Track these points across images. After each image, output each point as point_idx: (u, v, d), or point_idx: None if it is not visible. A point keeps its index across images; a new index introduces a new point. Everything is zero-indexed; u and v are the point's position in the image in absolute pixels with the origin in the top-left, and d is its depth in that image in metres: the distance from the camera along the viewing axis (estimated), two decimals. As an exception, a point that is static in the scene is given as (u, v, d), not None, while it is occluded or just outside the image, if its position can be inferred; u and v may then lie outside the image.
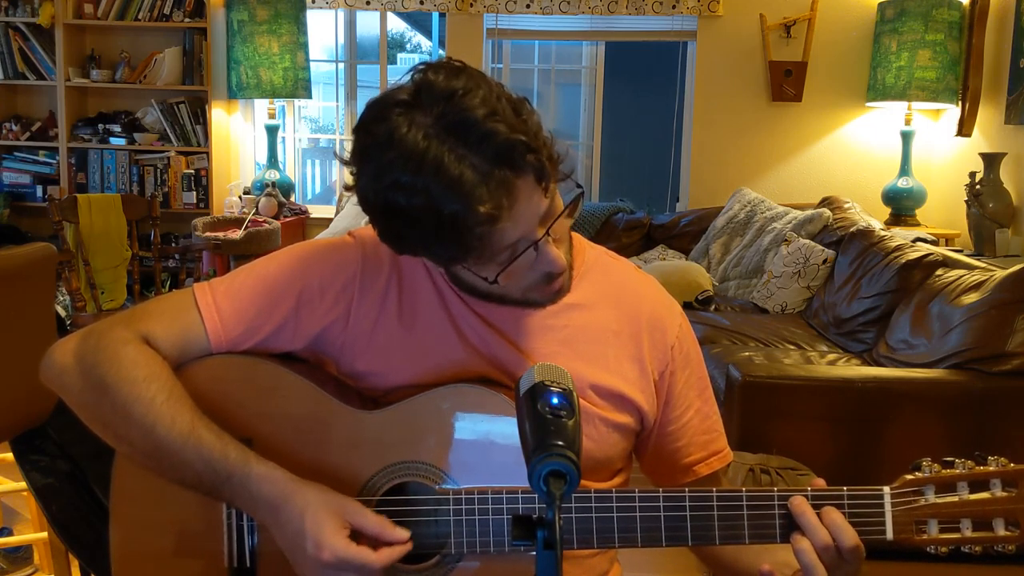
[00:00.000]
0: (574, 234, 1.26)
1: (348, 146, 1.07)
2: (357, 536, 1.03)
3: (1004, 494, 1.03)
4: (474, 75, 1.02)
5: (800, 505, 1.04)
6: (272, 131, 5.34)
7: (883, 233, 4.01)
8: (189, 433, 1.06)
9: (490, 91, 1.01)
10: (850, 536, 1.02)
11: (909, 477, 1.05)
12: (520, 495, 1.07)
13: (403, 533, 1.04)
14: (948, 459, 1.05)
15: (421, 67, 1.03)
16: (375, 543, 1.04)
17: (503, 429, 1.10)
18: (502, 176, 0.98)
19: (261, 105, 5.45)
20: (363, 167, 1.03)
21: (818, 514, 1.04)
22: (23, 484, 1.63)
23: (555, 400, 0.89)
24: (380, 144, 1.00)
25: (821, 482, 1.08)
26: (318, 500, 1.03)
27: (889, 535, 1.05)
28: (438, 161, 0.97)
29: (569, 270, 1.15)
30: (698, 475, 1.27)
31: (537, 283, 1.11)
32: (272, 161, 5.35)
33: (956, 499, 1.04)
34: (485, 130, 0.98)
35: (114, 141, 5.20)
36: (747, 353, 3.43)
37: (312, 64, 5.35)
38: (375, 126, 1.02)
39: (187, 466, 1.06)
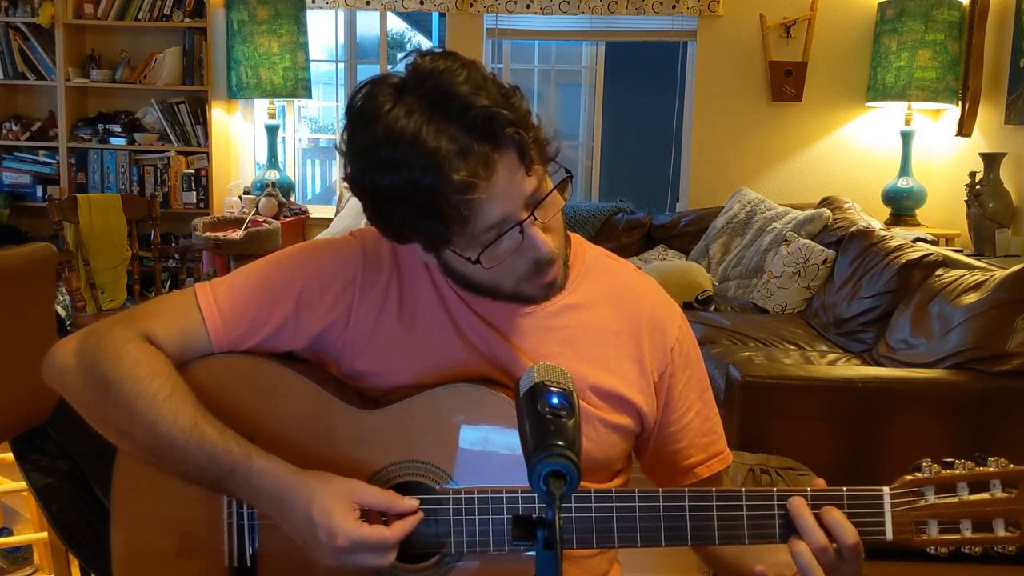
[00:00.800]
0: (575, 236, 1.26)
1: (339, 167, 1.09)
2: (367, 515, 1.04)
3: (1004, 495, 1.03)
4: (463, 59, 1.04)
5: (799, 507, 1.04)
6: (272, 131, 5.34)
7: (883, 233, 4.01)
8: (191, 428, 1.06)
9: (477, 72, 1.03)
10: (851, 534, 1.02)
11: (909, 478, 1.05)
12: (520, 495, 1.07)
13: (412, 503, 1.05)
14: (948, 460, 1.05)
15: (412, 54, 1.05)
16: (386, 519, 1.05)
17: (503, 429, 1.10)
18: (481, 150, 0.99)
19: (261, 105, 5.45)
20: (350, 146, 1.05)
21: (817, 515, 1.03)
22: (23, 484, 1.63)
23: (555, 400, 0.89)
24: (365, 123, 1.02)
25: (821, 482, 1.08)
26: (323, 488, 1.04)
27: (889, 535, 1.05)
28: (416, 135, 0.99)
29: (564, 266, 1.15)
30: (699, 477, 1.26)
31: (528, 273, 1.10)
32: (272, 161, 5.36)
33: (956, 500, 1.04)
34: (465, 102, 0.99)
35: (114, 141, 5.20)
36: (747, 353, 3.43)
37: (312, 64, 5.35)
38: (363, 106, 1.04)
39: (189, 461, 1.06)
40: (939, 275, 3.33)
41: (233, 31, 5.12)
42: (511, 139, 1.01)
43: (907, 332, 3.25)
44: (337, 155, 1.31)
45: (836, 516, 1.03)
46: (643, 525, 1.06)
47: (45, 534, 2.52)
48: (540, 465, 0.83)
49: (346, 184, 1.10)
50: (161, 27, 5.18)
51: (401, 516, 1.05)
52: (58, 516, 1.46)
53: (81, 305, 3.94)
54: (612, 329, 1.21)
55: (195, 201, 5.24)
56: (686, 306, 4.32)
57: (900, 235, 4.08)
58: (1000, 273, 2.98)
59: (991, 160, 4.26)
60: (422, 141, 0.99)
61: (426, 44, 11.70)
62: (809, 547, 1.02)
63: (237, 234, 4.50)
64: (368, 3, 5.31)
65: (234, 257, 4.50)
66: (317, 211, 5.55)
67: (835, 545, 1.02)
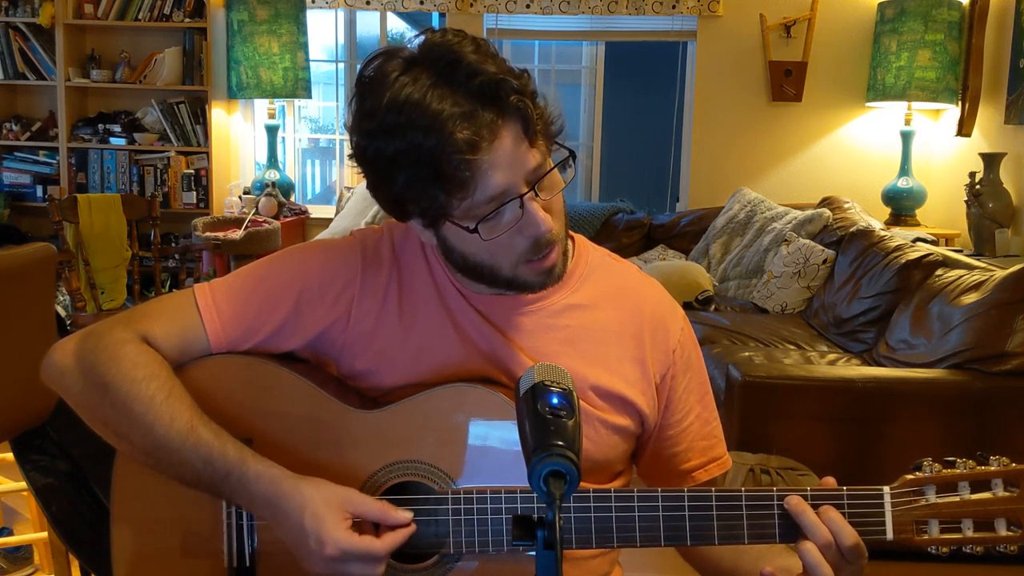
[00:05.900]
0: (579, 236, 1.26)
1: (347, 147, 1.09)
2: (360, 525, 1.04)
3: (1006, 494, 1.02)
4: (474, 36, 1.05)
5: (798, 504, 1.04)
6: (272, 131, 5.34)
7: (883, 233, 4.01)
8: (188, 432, 1.06)
9: (487, 47, 1.04)
10: (849, 534, 1.02)
11: (910, 477, 1.05)
12: (520, 495, 1.07)
13: (405, 515, 1.04)
14: (949, 459, 1.04)
15: (424, 32, 1.06)
16: (378, 529, 1.04)
17: (503, 429, 1.10)
18: (485, 115, 1.00)
19: (261, 105, 5.45)
20: (357, 113, 1.06)
21: (816, 513, 1.03)
22: (23, 484, 1.63)
23: (555, 400, 0.88)
24: (373, 91, 1.03)
25: (831, 480, 1.07)
26: (317, 495, 1.03)
27: (889, 535, 1.04)
28: (420, 99, 1.00)
29: (564, 256, 1.14)
30: (696, 481, 1.26)
31: (527, 253, 1.09)
32: (272, 161, 5.35)
33: (957, 499, 1.03)
34: (472, 70, 1.00)
35: (114, 141, 5.20)
36: (747, 353, 3.42)
37: (312, 64, 5.35)
38: (372, 76, 1.05)
39: (185, 464, 1.06)
40: (939, 275, 3.33)
41: (233, 31, 5.12)
42: (516, 108, 1.01)
43: (907, 332, 3.25)
44: (336, 161, 1.31)
45: (833, 516, 1.03)
46: (642, 525, 1.06)
47: (45, 534, 2.52)
48: (540, 465, 0.83)
49: (351, 161, 1.10)
50: (161, 27, 5.17)
51: (393, 528, 1.04)
52: (58, 516, 1.46)
53: (81, 305, 3.93)
54: (614, 330, 1.20)
55: (195, 201, 5.23)
56: (686, 306, 4.32)
57: (900, 235, 4.08)
58: (1000, 273, 2.98)
59: (991, 160, 4.26)
60: (426, 105, 0.99)
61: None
62: (815, 544, 1.02)
63: (237, 234, 4.50)
64: (368, 3, 5.30)
65: (234, 257, 4.50)
66: (317, 211, 5.55)
67: (836, 544, 1.02)
